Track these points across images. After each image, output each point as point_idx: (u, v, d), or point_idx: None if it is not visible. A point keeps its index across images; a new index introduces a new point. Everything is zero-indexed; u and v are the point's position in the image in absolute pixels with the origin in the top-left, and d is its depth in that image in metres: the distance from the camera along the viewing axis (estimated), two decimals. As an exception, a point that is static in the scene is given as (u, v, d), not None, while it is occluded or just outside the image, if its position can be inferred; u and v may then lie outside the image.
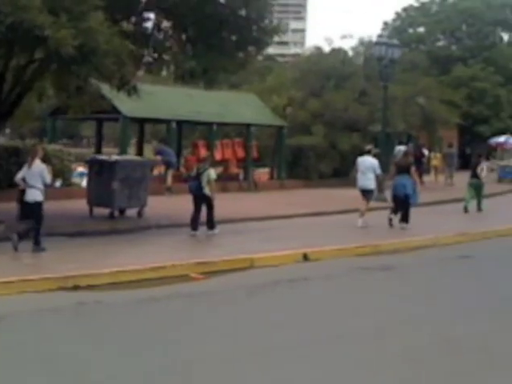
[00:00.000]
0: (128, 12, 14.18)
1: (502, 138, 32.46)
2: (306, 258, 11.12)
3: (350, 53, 34.10)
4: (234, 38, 14.24)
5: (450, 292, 9.15)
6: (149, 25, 14.67)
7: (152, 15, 14.65)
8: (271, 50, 79.45)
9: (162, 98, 20.52)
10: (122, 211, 14.49)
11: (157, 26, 14.65)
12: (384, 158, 20.70)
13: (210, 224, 12.94)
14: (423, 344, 6.60)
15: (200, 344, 6.42)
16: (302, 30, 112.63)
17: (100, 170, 14.30)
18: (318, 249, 11.56)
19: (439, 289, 9.39)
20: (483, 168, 19.57)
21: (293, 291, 9.07)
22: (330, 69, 28.63)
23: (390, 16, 55.82)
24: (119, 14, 13.74)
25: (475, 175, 18.85)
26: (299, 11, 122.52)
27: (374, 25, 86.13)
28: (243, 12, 14.22)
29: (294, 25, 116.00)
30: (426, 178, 26.25)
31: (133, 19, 14.54)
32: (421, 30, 52.13)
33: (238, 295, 8.69)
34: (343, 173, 22.92)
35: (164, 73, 16.80)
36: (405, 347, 6.48)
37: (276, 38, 15.08)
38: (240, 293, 8.78)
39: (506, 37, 52.17)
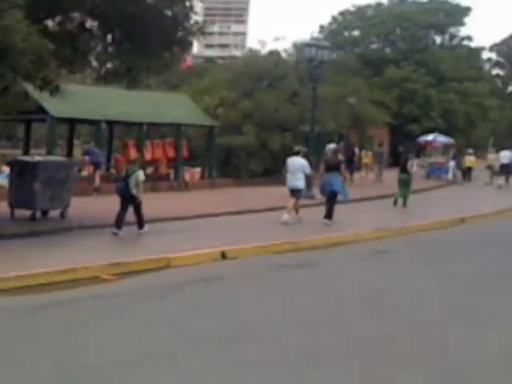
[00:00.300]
0: (52, 11, 13.72)
1: (430, 137, 32.82)
2: (224, 256, 10.88)
3: (284, 55, 34.22)
4: (159, 38, 13.95)
5: (361, 289, 9.06)
6: (73, 25, 14.29)
7: (77, 15, 14.25)
8: (212, 53, 79.41)
9: (92, 99, 19.96)
10: (44, 213, 13.98)
11: (81, 25, 14.25)
12: (315, 157, 20.83)
13: (140, 224, 12.71)
14: (328, 343, 6.46)
15: (95, 350, 6.06)
16: (243, 33, 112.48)
17: (22, 172, 13.71)
18: (236, 247, 11.33)
19: (352, 286, 9.27)
20: (413, 164, 19.82)
21: (206, 290, 8.81)
22: (262, 70, 28.53)
23: (327, 20, 56.16)
24: (43, 13, 13.30)
25: (404, 171, 19.11)
26: (241, 14, 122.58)
27: (312, 28, 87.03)
28: (169, 12, 13.96)
29: (235, 28, 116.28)
30: (357, 175, 26.51)
31: (57, 19, 14.11)
32: (356, 33, 52.76)
33: (149, 296, 8.36)
34: (274, 171, 22.84)
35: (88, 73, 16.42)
36: (309, 346, 6.33)
37: (217, 41, 14.96)
38: (151, 294, 8.47)
39: (438, 39, 53.20)
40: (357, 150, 28.15)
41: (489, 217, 17.46)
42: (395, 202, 18.74)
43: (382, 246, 12.66)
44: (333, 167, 15.37)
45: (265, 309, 7.78)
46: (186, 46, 14.72)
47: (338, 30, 53.68)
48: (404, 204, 18.68)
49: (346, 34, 53.05)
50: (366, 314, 7.66)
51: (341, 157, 22.90)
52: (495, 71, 71.29)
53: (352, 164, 26.33)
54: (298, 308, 7.85)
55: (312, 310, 7.79)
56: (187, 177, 21.88)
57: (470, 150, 29.27)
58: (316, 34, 52.57)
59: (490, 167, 27.88)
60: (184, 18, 14.07)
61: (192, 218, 14.76)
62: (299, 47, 31.18)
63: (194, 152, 23.25)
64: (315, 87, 21.86)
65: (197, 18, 14.56)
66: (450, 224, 15.86)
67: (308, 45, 24.02)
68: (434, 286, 9.27)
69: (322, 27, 55.38)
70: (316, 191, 16.98)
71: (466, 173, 28.90)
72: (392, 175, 20.76)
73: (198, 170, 22.95)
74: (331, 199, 15.14)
